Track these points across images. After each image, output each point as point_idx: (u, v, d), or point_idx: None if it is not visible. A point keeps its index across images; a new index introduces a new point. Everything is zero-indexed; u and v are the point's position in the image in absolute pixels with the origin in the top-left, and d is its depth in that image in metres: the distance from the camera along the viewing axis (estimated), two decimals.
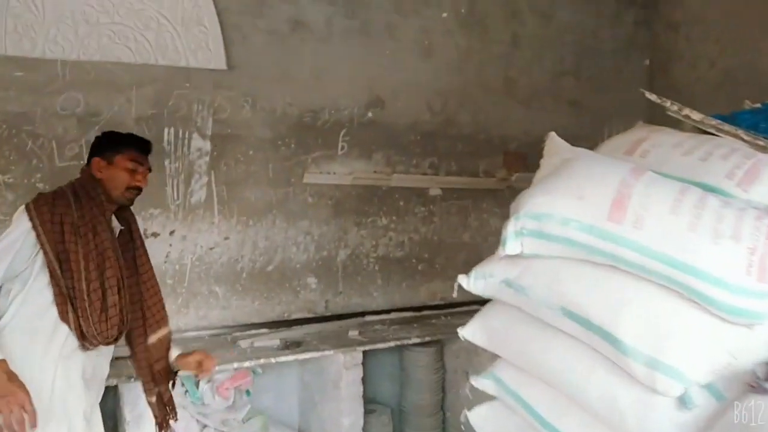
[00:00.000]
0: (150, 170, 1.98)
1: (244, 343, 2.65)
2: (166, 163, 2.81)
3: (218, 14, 2.83)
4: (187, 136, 2.85)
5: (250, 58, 2.97)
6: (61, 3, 2.53)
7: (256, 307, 3.01)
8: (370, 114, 3.28)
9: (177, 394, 2.55)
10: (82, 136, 2.63)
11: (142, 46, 2.73)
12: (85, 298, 1.71)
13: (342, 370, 2.60)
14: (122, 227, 1.94)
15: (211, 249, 2.91)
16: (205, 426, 2.62)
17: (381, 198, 3.35)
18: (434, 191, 3.49)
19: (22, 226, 1.68)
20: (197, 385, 2.60)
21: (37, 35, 2.52)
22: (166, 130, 2.81)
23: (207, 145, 2.89)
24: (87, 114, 2.64)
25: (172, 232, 2.82)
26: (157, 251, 2.76)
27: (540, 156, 1.73)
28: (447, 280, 3.50)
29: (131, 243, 1.97)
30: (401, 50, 3.32)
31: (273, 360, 2.44)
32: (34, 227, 1.67)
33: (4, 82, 2.46)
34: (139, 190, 1.92)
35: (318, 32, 3.11)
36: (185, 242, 2.85)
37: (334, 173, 3.22)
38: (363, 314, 3.24)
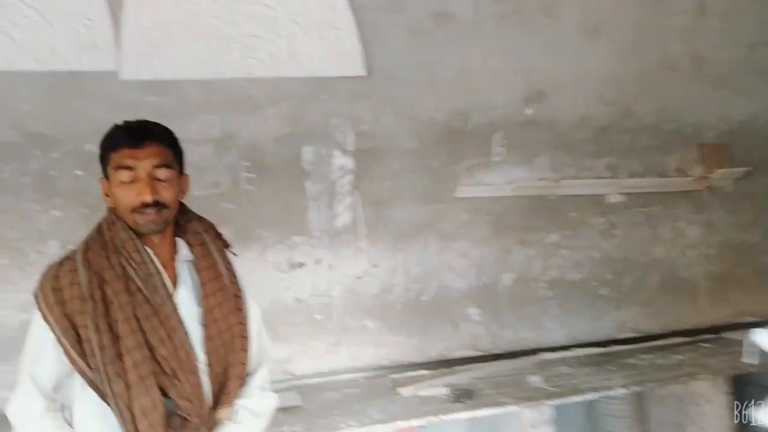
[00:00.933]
0: (169, 167, 1.25)
1: (405, 392, 2.24)
2: (307, 185, 2.52)
3: (354, 14, 2.51)
4: (328, 153, 2.54)
5: (391, 61, 2.61)
6: (189, 19, 2.34)
7: (413, 344, 2.60)
8: (529, 111, 2.78)
9: None
10: (220, 162, 2.41)
11: (276, 58, 2.47)
12: (108, 391, 1.17)
13: (527, 429, 2.08)
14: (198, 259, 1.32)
15: (359, 278, 2.56)
16: None
17: (549, 210, 2.81)
18: (614, 197, 2.89)
19: (38, 327, 1.22)
20: None
21: (169, 55, 2.34)
22: (305, 149, 2.52)
23: (349, 162, 2.56)
24: (223, 137, 2.42)
25: (317, 261, 2.51)
26: (303, 283, 2.48)
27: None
28: (637, 307, 2.86)
29: (215, 280, 1.32)
30: (562, 32, 2.79)
31: (444, 417, 2.00)
32: (50, 326, 1.19)
33: (137, 109, 2.29)
34: (157, 206, 1.22)
35: (464, 22, 2.68)
36: (332, 272, 2.53)
37: (491, 184, 2.75)
38: (536, 351, 2.70)
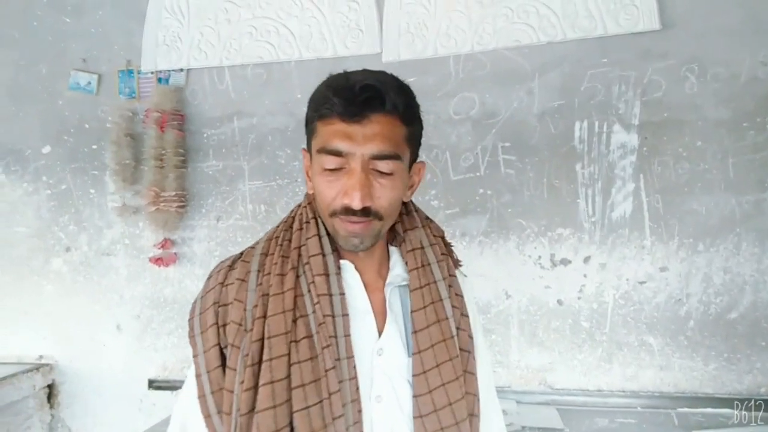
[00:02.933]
0: (397, 157, 0.86)
1: None
2: (578, 168, 2.13)
3: None
4: (605, 129, 2.11)
5: (694, 7, 2.03)
6: None
7: (711, 372, 2.03)
8: None
9: None
10: (478, 143, 2.19)
11: (546, 21, 2.13)
12: None
13: None
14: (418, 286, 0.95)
15: (641, 283, 2.09)
16: None
17: None
18: None
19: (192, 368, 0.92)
20: None
21: (429, 32, 2.20)
22: (577, 124, 2.13)
23: (633, 139, 2.09)
24: (482, 116, 2.19)
25: (586, 259, 2.13)
26: (568, 284, 2.13)
27: None
28: None
29: (436, 325, 0.93)
30: None
31: None
32: (195, 355, 0.90)
33: None
34: (367, 214, 0.86)
35: None
36: (604, 273, 2.11)
37: None
38: None
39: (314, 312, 0.87)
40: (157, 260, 2.33)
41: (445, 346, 0.91)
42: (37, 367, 2.39)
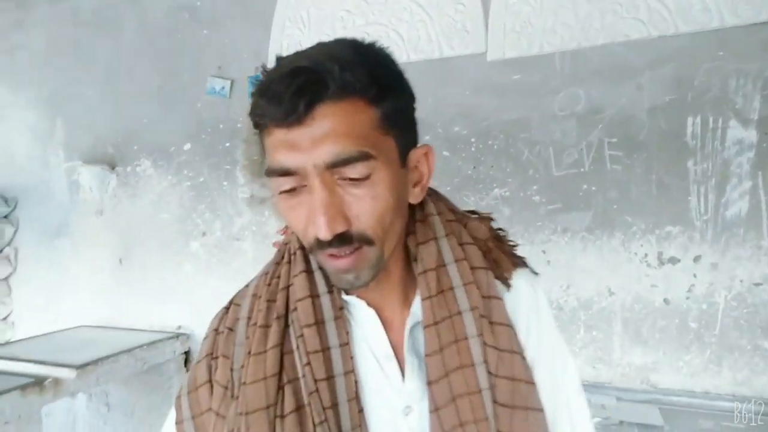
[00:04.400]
0: (366, 156, 0.63)
1: None
2: (690, 164, 2.07)
3: None
4: (720, 124, 2.03)
5: None
6: None
7: None
8: None
9: None
10: (582, 139, 2.20)
11: (657, 15, 2.08)
12: None
13: None
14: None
15: (756, 285, 2.00)
16: None
17: None
18: None
19: None
20: None
21: (534, 29, 2.23)
22: (690, 119, 2.07)
23: (751, 135, 1.99)
24: (588, 112, 2.19)
25: (696, 258, 2.07)
26: (676, 282, 2.09)
27: None
28: None
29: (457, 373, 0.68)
30: None
31: None
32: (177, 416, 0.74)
33: (501, 89, 2.28)
34: (346, 242, 0.63)
35: None
36: (716, 273, 2.04)
37: None
38: None
39: (304, 376, 0.66)
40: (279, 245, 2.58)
41: (468, 402, 0.66)
42: (177, 336, 2.75)
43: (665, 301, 2.10)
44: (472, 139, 2.30)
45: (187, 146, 2.86)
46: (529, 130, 2.24)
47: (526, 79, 2.25)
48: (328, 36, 2.53)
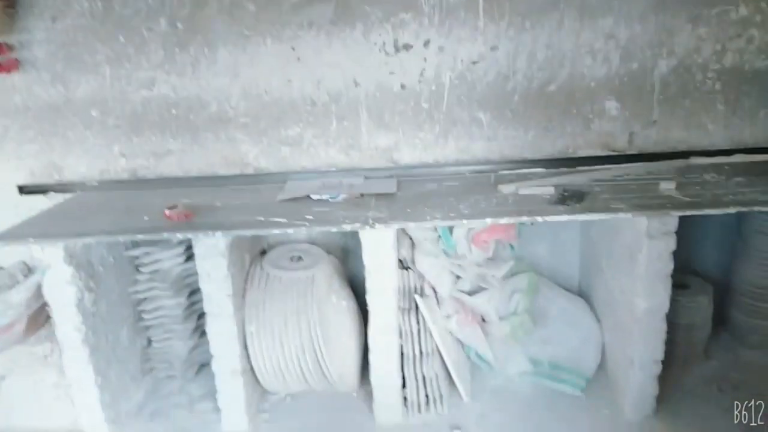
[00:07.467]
0: None
1: (506, 189, 2.06)
2: None
3: None
4: None
5: None
6: None
7: (530, 140, 2.33)
8: None
9: (429, 239, 2.20)
10: None
11: None
12: None
13: (643, 239, 1.82)
14: None
15: (474, 63, 2.26)
16: (458, 277, 2.24)
17: None
18: None
19: None
20: (451, 231, 2.18)
21: None
22: None
23: None
24: None
25: (426, 43, 2.25)
26: (410, 67, 2.27)
27: None
28: None
29: None
30: None
31: (540, 219, 1.81)
32: None
33: None
34: None
35: None
36: (443, 55, 2.26)
37: None
38: (687, 155, 2.27)
39: None
40: None
41: None
42: None
43: (402, 86, 2.30)
44: None
45: None
46: None
47: None
48: None
